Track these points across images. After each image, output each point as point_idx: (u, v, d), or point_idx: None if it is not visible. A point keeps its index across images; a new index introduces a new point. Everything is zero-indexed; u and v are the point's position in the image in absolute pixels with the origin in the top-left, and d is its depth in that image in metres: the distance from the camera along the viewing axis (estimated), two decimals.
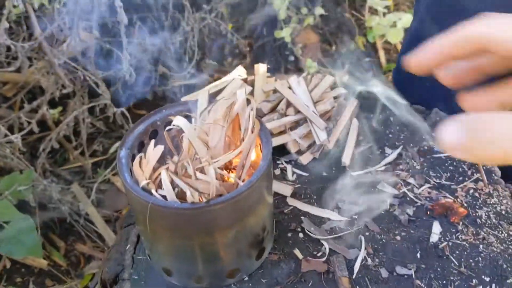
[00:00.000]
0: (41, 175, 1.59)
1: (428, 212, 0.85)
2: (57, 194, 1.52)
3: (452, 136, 0.35)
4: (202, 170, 0.66)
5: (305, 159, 0.92)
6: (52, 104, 1.68)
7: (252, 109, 0.71)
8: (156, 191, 0.66)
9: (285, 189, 0.88)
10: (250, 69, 1.12)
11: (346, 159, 0.91)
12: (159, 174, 0.67)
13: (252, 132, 0.69)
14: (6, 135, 1.46)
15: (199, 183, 0.64)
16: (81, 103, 1.65)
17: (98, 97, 1.62)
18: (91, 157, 1.74)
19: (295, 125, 0.95)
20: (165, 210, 0.64)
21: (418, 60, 0.46)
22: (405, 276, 0.77)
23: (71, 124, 1.60)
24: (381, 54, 2.11)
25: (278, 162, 0.94)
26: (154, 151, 0.69)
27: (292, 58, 2.09)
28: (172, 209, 0.63)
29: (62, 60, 1.52)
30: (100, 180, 1.66)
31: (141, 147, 0.74)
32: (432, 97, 1.03)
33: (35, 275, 1.48)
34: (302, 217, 0.85)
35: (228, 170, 0.74)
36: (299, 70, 2.03)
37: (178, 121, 0.68)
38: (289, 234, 0.83)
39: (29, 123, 1.50)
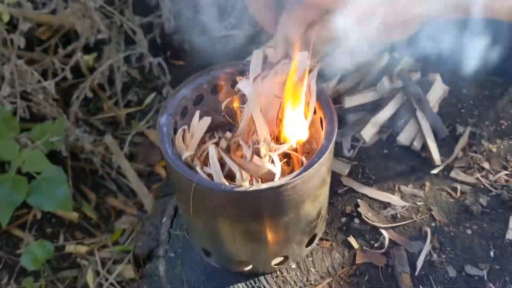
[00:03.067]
0: (74, 123, 1.53)
1: (505, 204, 0.74)
2: (89, 145, 1.46)
3: None
4: (258, 152, 0.56)
5: (367, 134, 0.80)
6: (87, 49, 1.59)
7: (313, 79, 0.60)
8: (202, 168, 0.57)
9: (341, 167, 0.78)
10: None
11: (417, 144, 0.80)
12: (206, 149, 0.58)
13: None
14: (39, 81, 1.40)
15: (253, 165, 0.55)
16: (116, 50, 1.56)
17: (135, 44, 1.53)
18: (125, 107, 1.66)
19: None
20: (210, 191, 0.55)
21: None
22: (476, 278, 0.68)
23: (105, 72, 1.52)
24: None
25: None
26: (199, 123, 0.59)
27: None
28: (219, 191, 0.55)
29: (98, 3, 1.43)
30: (134, 132, 1.59)
31: (185, 113, 0.65)
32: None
33: (65, 227, 1.45)
34: (359, 200, 0.75)
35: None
36: None
37: (243, 86, 0.57)
38: (343, 219, 0.74)
39: (62, 69, 1.43)
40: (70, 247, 1.40)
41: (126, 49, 1.55)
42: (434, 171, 0.78)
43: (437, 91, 0.85)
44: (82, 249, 1.40)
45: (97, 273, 1.35)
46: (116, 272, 1.33)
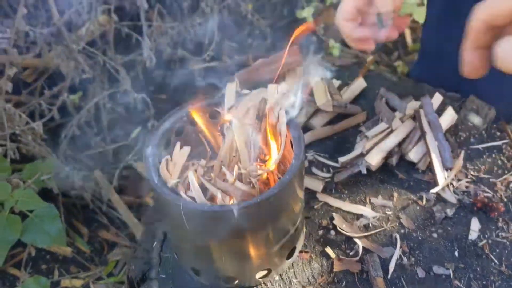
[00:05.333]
0: (63, 161, 1.58)
1: (467, 208, 0.81)
2: (80, 181, 1.51)
3: None
4: (240, 177, 0.63)
5: (373, 160, 0.85)
6: (72, 89, 1.65)
7: (281, 108, 0.67)
8: (186, 193, 0.64)
9: (315, 184, 0.85)
10: (271, 51, 1.07)
11: (422, 165, 0.87)
12: (187, 175, 0.65)
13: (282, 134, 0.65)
14: (27, 123, 1.45)
15: (234, 189, 0.62)
16: (101, 89, 1.63)
17: (118, 81, 1.59)
18: (112, 142, 1.72)
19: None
20: (195, 212, 0.61)
21: (471, 69, 0.55)
22: (443, 276, 0.74)
23: (91, 110, 1.58)
24: (407, 33, 2.04)
25: (307, 154, 0.91)
26: (180, 152, 0.66)
27: (314, 38, 2.03)
28: (203, 212, 0.61)
29: (81, 45, 1.49)
30: (122, 166, 1.64)
31: (168, 144, 0.71)
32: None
33: (59, 262, 1.48)
34: (334, 213, 0.82)
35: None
36: (321, 51, 1.97)
37: (230, 117, 0.64)
38: (320, 232, 0.80)
39: (49, 110, 1.49)
40: (65, 282, 1.44)
41: (110, 86, 1.62)
42: (433, 191, 0.84)
43: (447, 118, 0.91)
44: (77, 282, 1.44)
45: None
46: None
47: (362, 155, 0.85)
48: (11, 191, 1.32)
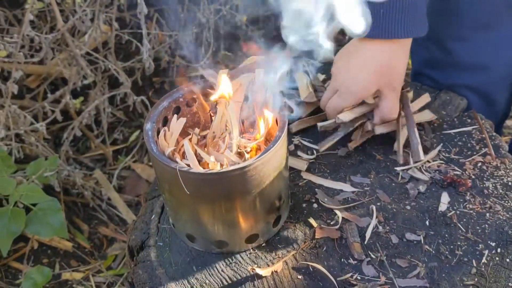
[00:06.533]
0: (65, 162, 1.65)
1: (438, 183, 0.89)
2: (81, 180, 1.58)
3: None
4: (231, 146, 0.71)
5: (345, 116, 0.92)
6: (74, 94, 1.74)
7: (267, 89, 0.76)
8: (181, 160, 0.71)
9: (300, 164, 0.93)
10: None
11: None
12: (183, 145, 0.73)
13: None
14: (31, 124, 1.53)
15: (222, 156, 0.70)
16: (101, 93, 1.71)
17: (118, 87, 1.68)
18: (112, 145, 1.80)
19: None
20: (190, 175, 0.69)
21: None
22: (414, 242, 0.81)
23: (92, 113, 1.66)
24: None
25: (293, 139, 0.99)
26: (176, 123, 0.74)
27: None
28: (197, 175, 0.69)
29: (84, 51, 1.58)
30: (121, 167, 1.72)
31: (165, 122, 0.79)
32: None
33: (60, 256, 1.55)
34: (316, 189, 0.89)
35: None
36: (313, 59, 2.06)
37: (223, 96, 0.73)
38: (304, 205, 0.88)
39: (52, 112, 1.56)
40: (66, 275, 1.50)
41: (110, 91, 1.70)
42: (408, 170, 0.91)
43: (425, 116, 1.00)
44: (78, 275, 1.50)
45: None
46: None
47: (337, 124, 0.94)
48: (15, 186, 1.40)
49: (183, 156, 0.74)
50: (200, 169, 0.70)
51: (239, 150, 0.75)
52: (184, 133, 0.80)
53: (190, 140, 0.74)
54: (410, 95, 1.02)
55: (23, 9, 1.60)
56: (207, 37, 1.99)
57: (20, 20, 1.65)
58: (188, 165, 0.72)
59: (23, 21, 1.40)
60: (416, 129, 0.93)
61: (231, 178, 0.70)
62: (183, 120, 0.75)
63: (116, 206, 1.65)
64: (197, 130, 0.76)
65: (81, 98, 1.82)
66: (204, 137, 0.78)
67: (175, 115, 0.76)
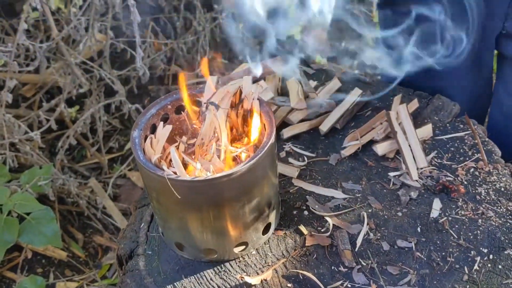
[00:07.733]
0: (60, 171, 1.65)
1: (430, 190, 0.88)
2: (75, 188, 1.58)
3: None
4: (219, 154, 0.71)
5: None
6: (69, 103, 1.74)
7: (255, 95, 0.75)
8: (168, 167, 0.71)
9: (291, 171, 0.92)
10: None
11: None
12: (170, 153, 0.72)
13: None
14: (26, 132, 1.53)
15: (209, 164, 0.69)
16: (97, 102, 1.71)
17: (113, 96, 1.67)
18: (107, 153, 1.79)
19: None
20: (177, 183, 0.68)
21: None
22: (406, 249, 0.81)
23: (87, 121, 1.65)
24: None
25: (284, 146, 0.98)
26: (163, 130, 0.73)
27: (301, 55, 2.13)
28: (184, 182, 0.68)
29: (79, 59, 1.58)
30: (116, 175, 1.71)
31: (154, 129, 0.79)
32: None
33: (55, 266, 1.54)
34: (307, 196, 0.89)
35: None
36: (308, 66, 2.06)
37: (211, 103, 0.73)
38: (295, 212, 0.87)
39: (47, 120, 1.56)
40: (60, 284, 1.49)
41: (105, 99, 1.70)
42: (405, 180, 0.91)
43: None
44: (72, 285, 1.49)
45: None
46: None
47: None
48: (9, 195, 1.39)
49: (170, 163, 0.74)
50: (187, 177, 0.69)
51: (227, 157, 0.74)
52: (172, 141, 0.79)
53: (177, 147, 0.73)
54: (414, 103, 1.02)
55: (20, 19, 1.60)
56: (203, 45, 1.99)
57: (16, 29, 1.66)
58: (175, 173, 0.71)
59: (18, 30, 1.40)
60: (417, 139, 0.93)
61: (218, 185, 0.69)
62: (169, 127, 0.74)
63: (111, 215, 1.64)
64: (184, 138, 0.76)
65: (77, 107, 1.82)
66: (193, 144, 0.78)
67: (161, 123, 0.76)
